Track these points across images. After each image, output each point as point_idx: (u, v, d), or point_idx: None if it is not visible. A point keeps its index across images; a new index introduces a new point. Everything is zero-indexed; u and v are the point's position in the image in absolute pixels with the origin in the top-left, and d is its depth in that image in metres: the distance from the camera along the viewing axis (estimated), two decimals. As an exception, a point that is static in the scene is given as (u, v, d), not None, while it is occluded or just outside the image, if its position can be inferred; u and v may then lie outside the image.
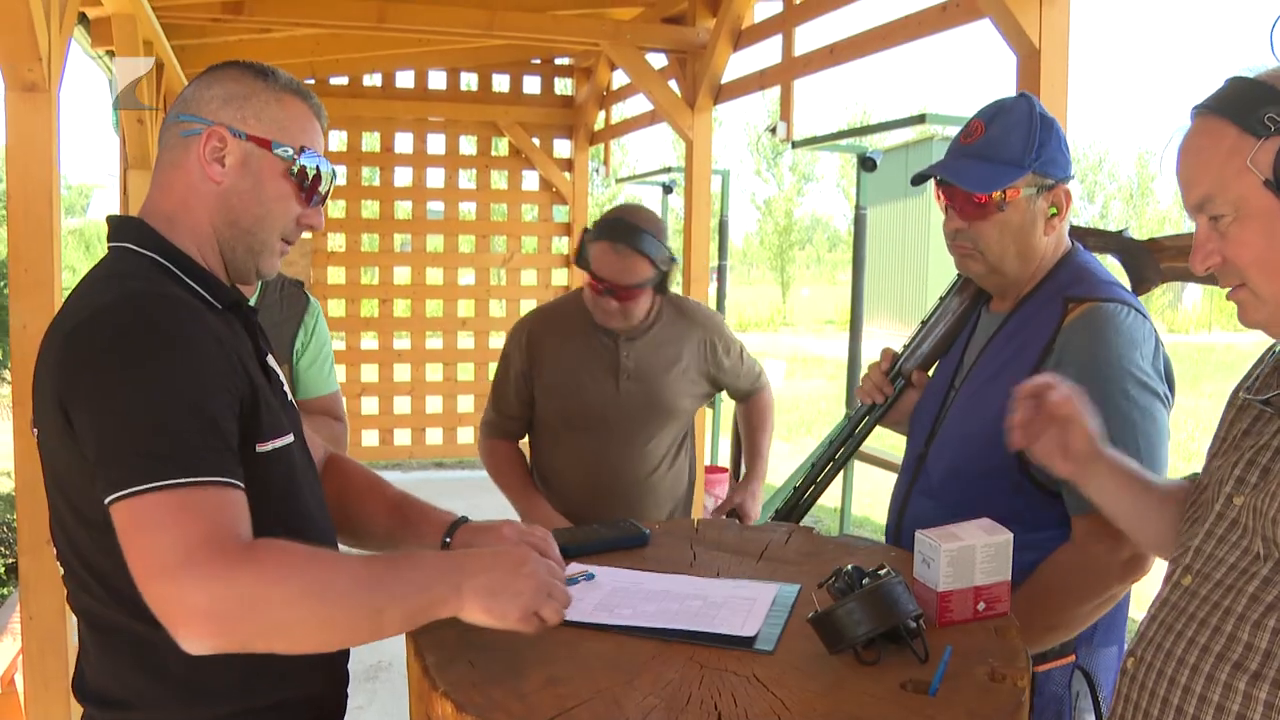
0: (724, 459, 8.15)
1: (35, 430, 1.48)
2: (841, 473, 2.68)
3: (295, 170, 1.56)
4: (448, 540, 1.76)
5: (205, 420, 1.33)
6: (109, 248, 1.54)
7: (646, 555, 1.97)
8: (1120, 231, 2.24)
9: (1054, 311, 1.97)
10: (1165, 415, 1.91)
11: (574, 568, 1.81)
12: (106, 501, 1.29)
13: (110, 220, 1.58)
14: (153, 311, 1.37)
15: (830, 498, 8.09)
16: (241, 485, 1.34)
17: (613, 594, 1.72)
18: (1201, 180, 1.36)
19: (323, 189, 1.61)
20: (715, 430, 7.92)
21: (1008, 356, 2.03)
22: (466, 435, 8.97)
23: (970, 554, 1.62)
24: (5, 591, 5.12)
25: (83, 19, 5.68)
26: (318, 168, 1.59)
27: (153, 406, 1.31)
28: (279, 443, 1.51)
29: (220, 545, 1.26)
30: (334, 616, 1.31)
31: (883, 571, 1.51)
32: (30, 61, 3.17)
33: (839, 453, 2.43)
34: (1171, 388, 1.95)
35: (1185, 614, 1.41)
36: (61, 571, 1.50)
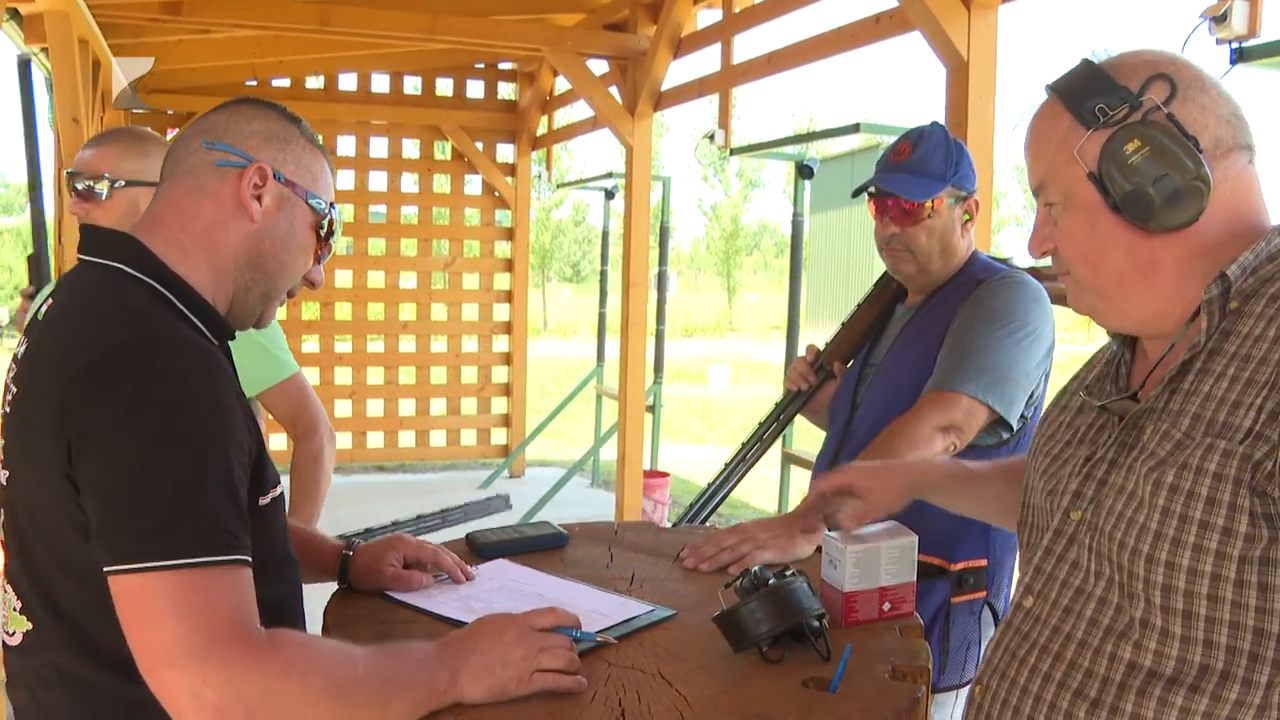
0: (663, 463, 8.19)
1: (4, 469, 1.37)
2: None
3: (323, 224, 1.53)
4: (348, 554, 1.79)
5: (227, 489, 1.26)
6: (96, 264, 1.41)
7: (565, 557, 2.00)
8: (1007, 260, 2.47)
9: (966, 290, 2.31)
10: (1034, 360, 2.23)
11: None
12: (107, 570, 1.21)
13: (86, 230, 1.45)
14: (178, 362, 1.28)
15: (765, 499, 8.17)
16: (251, 560, 1.27)
17: (483, 592, 1.78)
18: (1037, 165, 1.33)
19: (331, 248, 1.58)
20: (655, 434, 7.96)
21: (921, 328, 2.36)
22: (408, 439, 8.95)
23: (876, 555, 1.65)
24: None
25: (15, 15, 5.61)
26: (334, 227, 1.56)
27: (176, 470, 1.22)
28: (275, 493, 1.46)
29: (242, 636, 1.21)
30: (347, 713, 1.26)
31: (788, 573, 1.56)
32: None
33: (766, 434, 2.62)
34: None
35: (1028, 640, 1.35)
36: (19, 629, 1.38)
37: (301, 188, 1.50)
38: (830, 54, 4.63)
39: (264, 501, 1.41)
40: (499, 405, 9.22)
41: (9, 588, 1.39)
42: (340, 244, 8.87)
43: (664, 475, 7.46)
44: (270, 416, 2.76)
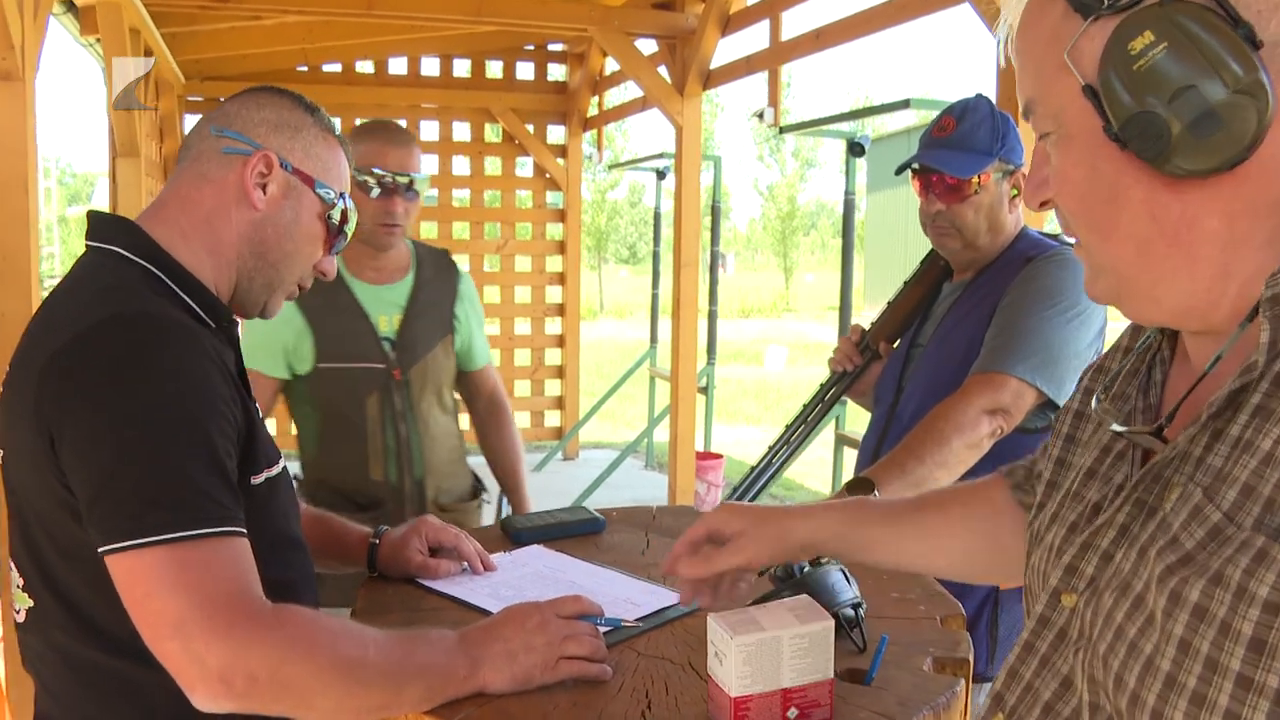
0: (717, 445, 8.16)
1: (0, 450, 1.38)
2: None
3: (333, 215, 1.52)
4: (375, 541, 1.78)
5: (210, 462, 1.26)
6: (95, 248, 1.42)
7: (600, 542, 1.97)
8: (1058, 235, 2.38)
9: (1015, 268, 2.23)
10: (1085, 341, 2.14)
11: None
12: (102, 550, 1.21)
13: (92, 217, 1.45)
14: (150, 337, 1.27)
15: (819, 481, 8.11)
16: (245, 531, 1.27)
17: (514, 579, 1.76)
18: (1023, 79, 0.90)
19: (345, 238, 1.57)
20: (709, 416, 7.92)
21: (969, 308, 2.28)
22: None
23: (774, 648, 1.26)
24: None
25: (71, 7, 5.69)
26: (348, 217, 1.55)
27: (154, 447, 1.22)
28: (271, 473, 1.45)
29: (244, 606, 1.21)
30: (355, 691, 1.25)
31: (824, 560, 1.52)
32: (3, 50, 3.17)
33: (810, 415, 2.56)
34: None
35: None
36: (23, 606, 1.39)
37: (310, 176, 1.49)
38: (879, 29, 4.54)
39: (257, 481, 1.41)
40: (552, 388, 9.22)
41: (13, 565, 1.41)
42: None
43: (717, 457, 7.42)
44: (458, 396, 2.83)
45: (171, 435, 1.24)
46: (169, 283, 1.39)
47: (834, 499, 1.52)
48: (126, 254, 1.39)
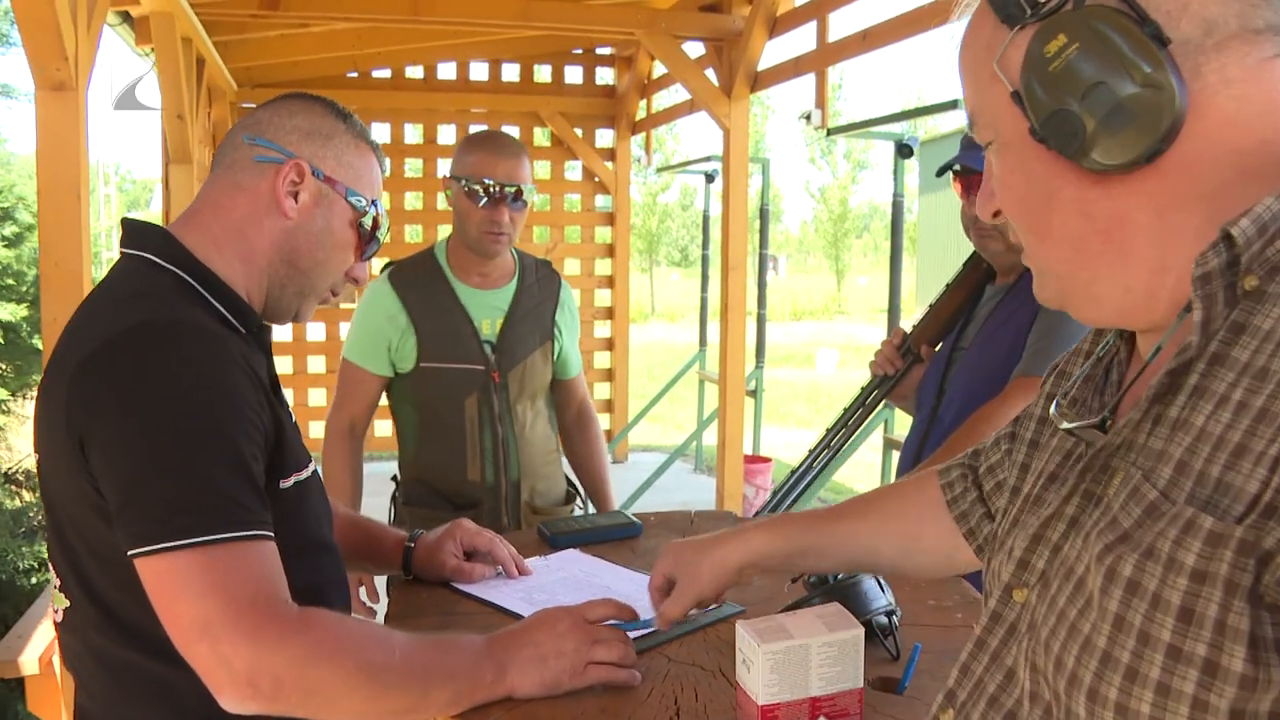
0: (766, 448, 8.13)
1: (36, 453, 1.39)
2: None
3: (364, 222, 1.53)
4: (410, 545, 1.79)
5: (236, 466, 1.27)
6: (128, 254, 1.43)
7: (637, 547, 1.97)
8: None
9: None
10: None
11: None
12: (131, 554, 1.23)
13: (126, 224, 1.47)
14: (178, 343, 1.28)
15: (868, 485, 8.05)
16: (272, 535, 1.29)
17: (548, 584, 1.77)
18: (966, 92, 0.92)
19: (377, 244, 1.58)
20: (757, 419, 7.89)
21: (1011, 310, 2.23)
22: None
23: (803, 656, 1.25)
24: (47, 576, 5.22)
25: (127, 18, 5.78)
26: (379, 223, 1.55)
27: (181, 452, 1.23)
28: (300, 477, 1.46)
29: (270, 609, 1.22)
30: (381, 694, 1.26)
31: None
32: (58, 61, 3.22)
33: (851, 419, 2.54)
34: None
35: None
36: (61, 607, 1.40)
37: (341, 185, 1.49)
38: (926, 29, 4.51)
39: (286, 485, 1.41)
40: (601, 391, 9.23)
41: (51, 566, 1.42)
42: (440, 232, 8.99)
43: (766, 460, 7.39)
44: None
45: (198, 440, 1.24)
46: (200, 289, 1.40)
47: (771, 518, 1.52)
48: (158, 260, 1.41)
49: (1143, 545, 0.73)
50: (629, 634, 1.44)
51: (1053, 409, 0.97)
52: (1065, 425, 0.90)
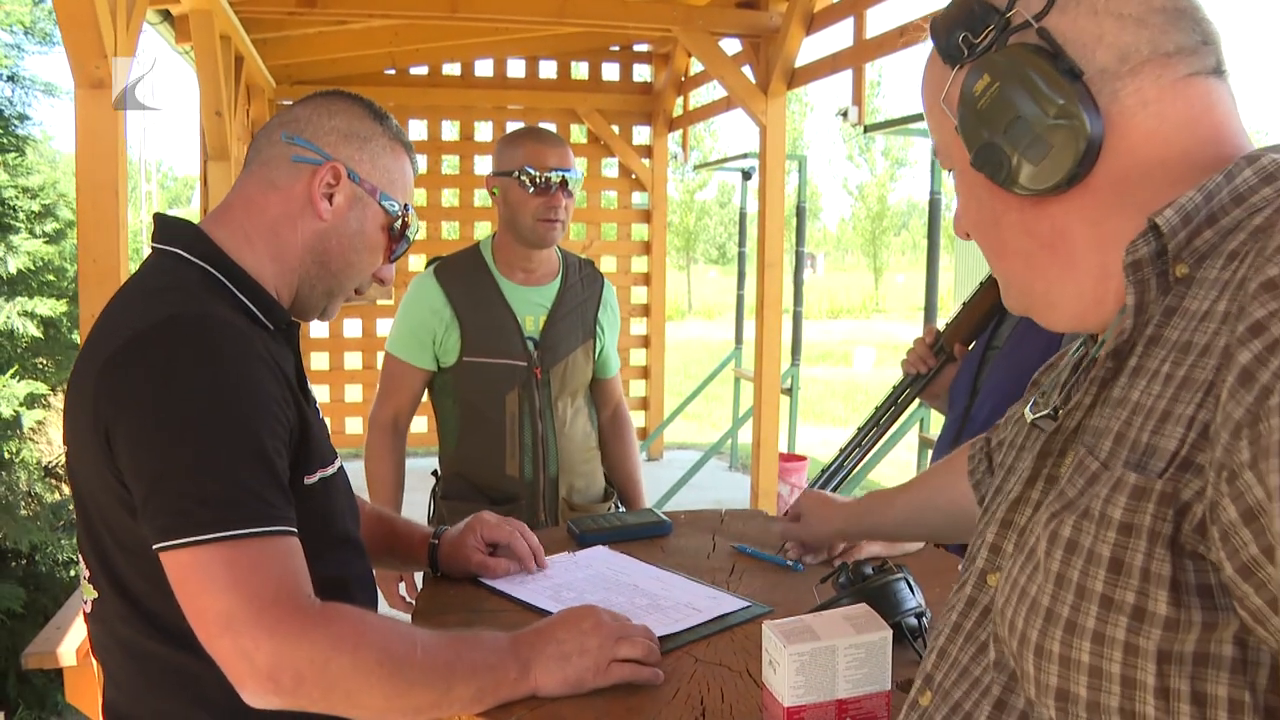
0: (802, 446, 8.10)
1: (66, 447, 1.40)
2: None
3: (395, 226, 1.53)
4: (435, 542, 1.79)
5: (260, 461, 1.27)
6: (159, 250, 1.44)
7: (666, 545, 1.96)
8: None
9: None
10: None
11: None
12: (155, 547, 1.23)
13: (158, 219, 1.47)
14: (204, 338, 1.29)
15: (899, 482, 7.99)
16: (295, 530, 1.29)
17: (576, 581, 1.76)
18: (928, 124, 0.99)
19: (406, 245, 1.58)
20: (793, 417, 7.86)
21: None
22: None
23: (829, 657, 1.24)
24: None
25: (168, 16, 5.83)
26: (409, 225, 1.56)
27: (205, 447, 1.24)
28: (326, 473, 1.46)
29: (292, 604, 1.23)
30: (403, 690, 1.26)
31: (889, 568, 1.49)
32: (97, 59, 3.25)
33: (883, 418, 2.54)
34: None
35: None
36: (90, 598, 1.42)
37: (375, 188, 1.49)
38: (965, 24, 4.46)
39: (310, 480, 1.41)
40: (637, 388, 9.23)
41: (81, 557, 1.43)
42: (477, 229, 9.02)
43: (801, 459, 7.36)
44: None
45: (221, 435, 1.25)
46: (229, 284, 1.41)
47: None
48: (188, 255, 1.41)
49: (1080, 508, 0.80)
50: (655, 632, 1.43)
51: (1027, 409, 1.04)
52: (1028, 415, 1.00)
